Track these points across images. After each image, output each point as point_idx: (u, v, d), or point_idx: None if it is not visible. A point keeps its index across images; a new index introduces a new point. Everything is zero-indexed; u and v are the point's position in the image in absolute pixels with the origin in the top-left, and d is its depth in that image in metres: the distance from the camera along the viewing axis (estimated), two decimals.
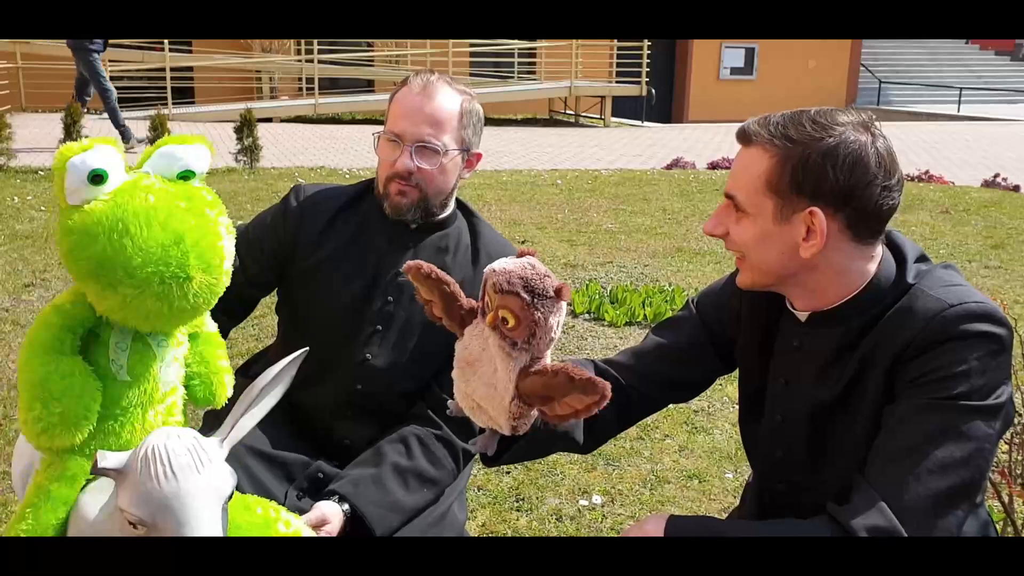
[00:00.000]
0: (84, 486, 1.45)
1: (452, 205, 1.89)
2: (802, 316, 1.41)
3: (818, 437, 1.40)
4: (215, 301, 1.43)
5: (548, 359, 1.23)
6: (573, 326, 4.48)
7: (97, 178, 1.31)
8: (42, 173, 8.13)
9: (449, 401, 1.30)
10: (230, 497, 1.30)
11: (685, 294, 4.91)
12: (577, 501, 2.82)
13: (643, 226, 6.93)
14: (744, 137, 1.34)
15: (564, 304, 1.16)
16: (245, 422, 1.36)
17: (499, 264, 1.15)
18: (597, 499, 2.83)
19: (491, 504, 2.78)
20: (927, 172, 9.67)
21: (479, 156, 1.88)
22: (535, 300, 1.12)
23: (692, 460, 3.13)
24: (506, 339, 1.15)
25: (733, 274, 1.56)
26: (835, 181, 1.26)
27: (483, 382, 1.21)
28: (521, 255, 1.17)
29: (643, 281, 5.32)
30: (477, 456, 1.90)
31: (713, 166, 10.28)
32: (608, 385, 1.10)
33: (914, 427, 1.23)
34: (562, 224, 6.92)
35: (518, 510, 2.76)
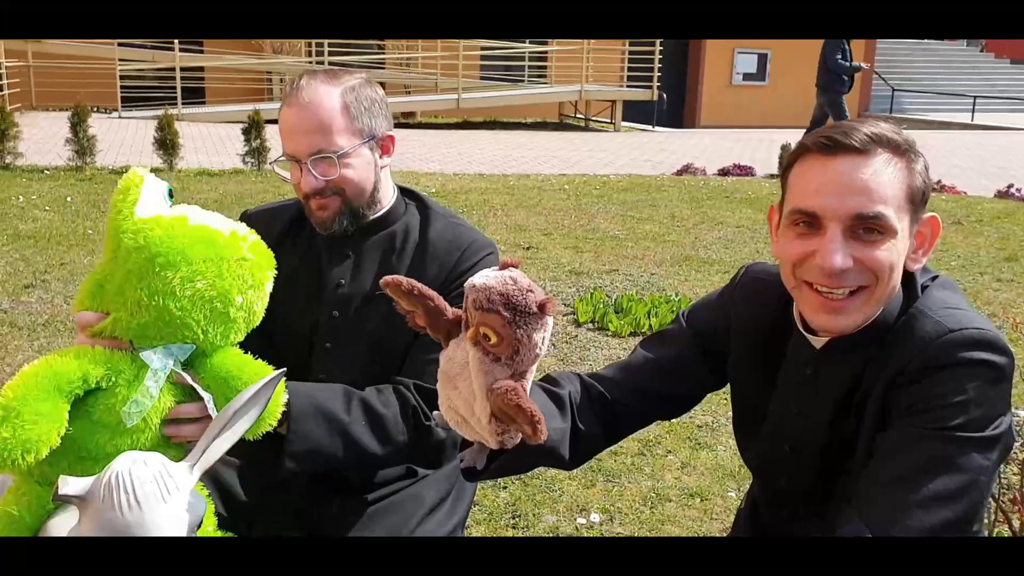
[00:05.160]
0: (53, 511, 1.40)
1: (389, 201, 1.77)
2: (817, 343, 1.33)
3: (829, 471, 1.34)
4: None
5: (532, 375, 1.17)
6: (576, 335, 4.42)
7: (171, 194, 1.40)
8: (48, 172, 8.12)
9: (434, 413, 1.24)
10: (199, 525, 1.24)
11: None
12: (575, 519, 2.76)
13: (651, 233, 6.86)
14: (865, 145, 1.18)
15: (549, 319, 1.10)
16: (218, 446, 1.30)
17: (479, 279, 1.09)
18: (595, 517, 2.76)
19: (487, 520, 2.72)
20: (939, 182, 9.55)
21: (392, 138, 1.74)
22: (517, 317, 1.07)
23: (694, 477, 3.06)
24: (488, 354, 1.10)
25: (725, 287, 1.50)
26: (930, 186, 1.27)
27: (463, 397, 1.15)
28: (504, 267, 1.11)
29: (649, 290, 5.25)
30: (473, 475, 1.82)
31: (723, 172, 10.20)
32: (543, 433, 1.05)
33: (907, 457, 1.17)
34: (568, 230, 6.85)
35: (514, 527, 2.70)
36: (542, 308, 1.07)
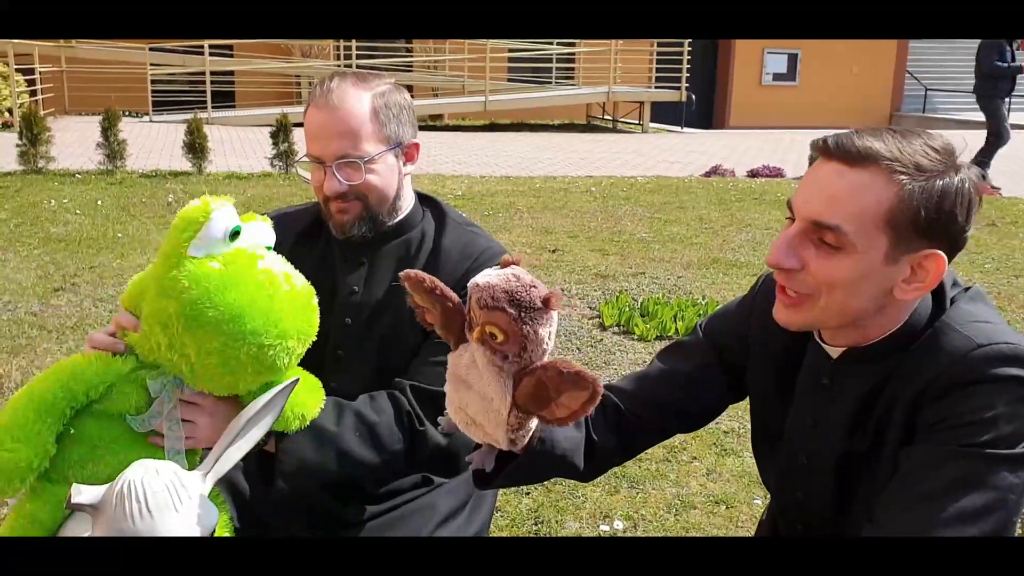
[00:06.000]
0: (70, 514, 1.41)
1: (407, 207, 1.75)
2: (834, 352, 1.30)
3: (844, 485, 1.30)
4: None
5: None
6: (601, 339, 4.38)
7: (235, 235, 1.34)
8: (79, 176, 8.22)
9: (440, 418, 1.22)
10: (212, 534, 1.23)
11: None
12: (598, 525, 2.73)
13: (678, 235, 6.80)
14: (853, 155, 1.13)
15: (554, 313, 1.09)
16: (231, 454, 1.29)
17: (482, 278, 1.08)
18: (619, 524, 2.73)
19: (508, 527, 2.70)
20: None
21: (417, 146, 1.73)
22: (522, 314, 1.06)
23: (720, 484, 3.01)
24: (496, 353, 1.09)
25: (744, 297, 1.46)
26: (960, 223, 1.15)
27: (477, 395, 1.14)
28: (505, 265, 1.10)
29: (676, 293, 5.20)
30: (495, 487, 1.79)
31: (753, 174, 10.10)
32: (597, 379, 1.02)
33: (932, 474, 1.13)
34: (594, 233, 6.82)
35: (536, 534, 2.67)
36: (546, 302, 1.06)
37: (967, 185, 1.14)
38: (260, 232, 1.41)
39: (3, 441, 1.31)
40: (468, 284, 1.08)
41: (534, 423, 1.16)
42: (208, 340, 1.32)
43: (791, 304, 1.22)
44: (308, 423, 1.51)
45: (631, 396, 1.43)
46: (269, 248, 1.43)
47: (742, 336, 1.42)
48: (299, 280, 1.40)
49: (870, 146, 1.13)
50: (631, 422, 1.42)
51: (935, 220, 1.14)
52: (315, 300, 1.42)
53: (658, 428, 1.46)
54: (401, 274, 1.15)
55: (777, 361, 1.38)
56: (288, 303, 1.36)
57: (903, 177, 1.13)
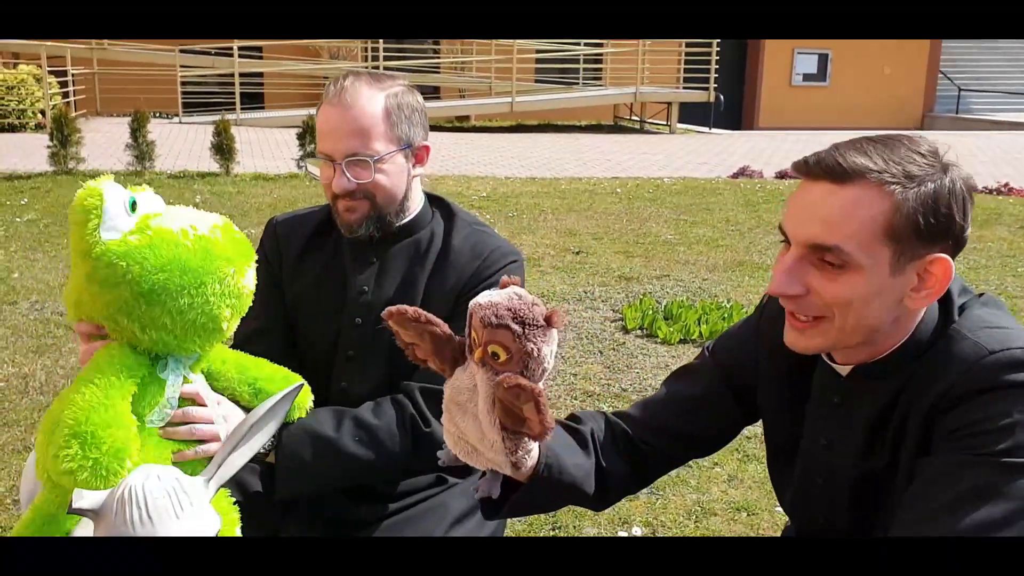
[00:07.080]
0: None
1: (416, 208, 1.75)
2: (843, 370, 1.26)
3: (861, 505, 1.26)
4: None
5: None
6: (624, 343, 4.35)
7: (133, 206, 1.31)
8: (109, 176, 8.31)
9: (439, 452, 1.21)
10: None
11: (744, 311, 4.73)
12: (616, 532, 2.70)
13: (704, 237, 6.74)
14: (840, 173, 1.11)
15: (555, 332, 1.08)
16: (234, 460, 1.28)
17: (484, 297, 1.07)
18: (637, 531, 2.70)
19: (526, 531, 2.67)
20: (1007, 184, 9.25)
21: (427, 148, 1.73)
22: (526, 331, 1.05)
23: (742, 491, 2.97)
24: (498, 374, 1.07)
25: (750, 317, 1.43)
26: (959, 223, 1.12)
27: (473, 420, 1.12)
28: (504, 286, 1.09)
29: (700, 296, 5.15)
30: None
31: (781, 175, 9.99)
32: (536, 387, 1.00)
33: (948, 485, 1.09)
34: (619, 234, 6.77)
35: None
36: (548, 320, 1.06)
37: (958, 184, 1.12)
38: (149, 198, 1.38)
39: (97, 430, 1.26)
40: (469, 305, 1.07)
41: (533, 445, 1.15)
42: (174, 301, 1.31)
43: (804, 328, 1.18)
44: (306, 422, 1.51)
45: (639, 422, 1.40)
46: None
47: (752, 354, 1.38)
48: (203, 224, 1.37)
49: (856, 161, 1.11)
50: (641, 449, 1.39)
51: (935, 224, 1.11)
52: (218, 235, 1.37)
53: (668, 455, 1.43)
54: (383, 314, 1.14)
55: (786, 383, 1.34)
56: (205, 246, 1.34)
57: (895, 187, 1.10)
